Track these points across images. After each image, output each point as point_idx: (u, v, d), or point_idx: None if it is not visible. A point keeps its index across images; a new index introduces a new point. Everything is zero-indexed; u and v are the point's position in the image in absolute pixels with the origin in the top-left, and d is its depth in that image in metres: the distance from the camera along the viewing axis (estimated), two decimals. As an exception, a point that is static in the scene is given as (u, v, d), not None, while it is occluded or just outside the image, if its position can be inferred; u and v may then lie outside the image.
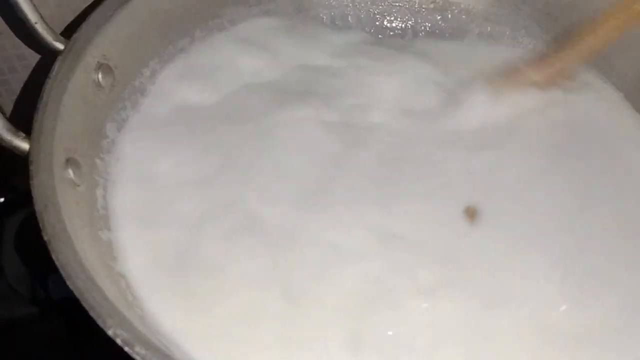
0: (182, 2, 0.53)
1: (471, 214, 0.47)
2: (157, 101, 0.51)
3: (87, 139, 0.46)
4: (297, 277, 0.44)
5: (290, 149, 0.49)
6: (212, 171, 0.48)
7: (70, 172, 0.42)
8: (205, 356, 0.40)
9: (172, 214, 0.46)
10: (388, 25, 0.60)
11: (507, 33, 0.59)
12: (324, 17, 0.60)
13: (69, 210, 0.40)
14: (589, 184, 0.50)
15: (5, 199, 0.57)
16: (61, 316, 0.53)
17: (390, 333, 0.42)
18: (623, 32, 0.50)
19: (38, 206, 0.38)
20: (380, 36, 0.60)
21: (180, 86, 0.52)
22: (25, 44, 0.55)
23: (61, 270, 0.36)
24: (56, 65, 0.44)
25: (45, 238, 0.37)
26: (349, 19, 0.60)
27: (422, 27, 0.60)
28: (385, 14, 0.61)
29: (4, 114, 0.42)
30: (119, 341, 0.34)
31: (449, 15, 0.60)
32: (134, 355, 0.33)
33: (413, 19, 0.60)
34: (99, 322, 0.34)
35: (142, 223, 0.45)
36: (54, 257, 0.36)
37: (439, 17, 0.60)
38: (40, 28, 0.46)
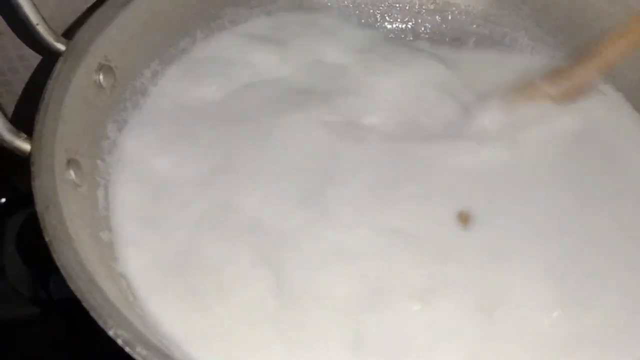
0: (183, 3, 0.53)
1: (464, 218, 0.47)
2: (158, 102, 0.51)
3: (89, 140, 0.46)
4: (297, 276, 0.44)
5: (290, 149, 0.49)
6: (212, 171, 0.48)
7: (72, 172, 0.42)
8: (205, 356, 0.40)
9: (172, 214, 0.46)
10: (388, 26, 0.60)
11: (507, 34, 0.59)
12: (324, 17, 0.60)
13: (70, 211, 0.40)
14: (588, 184, 0.50)
15: (6, 200, 0.57)
16: (62, 316, 0.53)
17: (389, 333, 0.42)
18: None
19: (39, 207, 0.38)
20: (381, 37, 0.60)
21: (182, 87, 0.53)
22: (27, 45, 0.55)
23: (62, 271, 0.36)
24: (57, 66, 0.44)
25: (47, 239, 0.37)
26: (349, 19, 0.60)
27: (422, 28, 0.60)
28: (386, 14, 0.60)
29: (5, 114, 0.42)
30: (119, 342, 0.34)
31: (449, 17, 0.60)
32: (134, 356, 0.33)
33: (413, 19, 0.60)
34: (100, 322, 0.34)
35: (142, 223, 0.45)
36: (55, 258, 0.36)
37: (439, 18, 0.61)
38: (41, 29, 0.46)
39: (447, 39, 0.60)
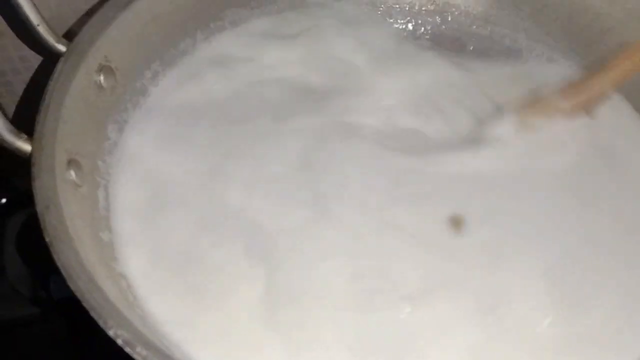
0: (183, 4, 0.53)
1: (459, 220, 0.47)
2: (158, 102, 0.51)
3: (89, 141, 0.46)
4: (297, 277, 0.44)
5: (289, 150, 0.50)
6: (213, 172, 0.48)
7: (72, 173, 0.42)
8: (205, 356, 0.40)
9: (172, 215, 0.46)
10: (388, 27, 0.60)
11: (507, 35, 0.59)
12: (324, 18, 0.60)
13: (71, 211, 0.40)
14: (588, 184, 0.50)
15: (6, 200, 0.57)
16: (62, 316, 0.53)
17: (388, 333, 0.42)
18: None
19: (39, 207, 0.38)
20: (381, 37, 0.59)
21: (182, 88, 0.53)
22: (28, 45, 0.55)
23: (62, 271, 0.36)
24: (58, 67, 0.44)
25: (47, 239, 0.37)
26: (349, 20, 0.59)
27: (422, 29, 0.60)
28: (386, 15, 0.61)
29: (6, 115, 0.42)
30: (119, 342, 0.34)
31: (449, 18, 0.60)
32: (134, 356, 0.33)
33: (413, 20, 0.60)
34: (100, 322, 0.34)
35: (143, 224, 0.45)
36: (55, 258, 0.36)
37: (438, 19, 0.61)
38: (42, 30, 0.46)
39: (448, 40, 0.60)
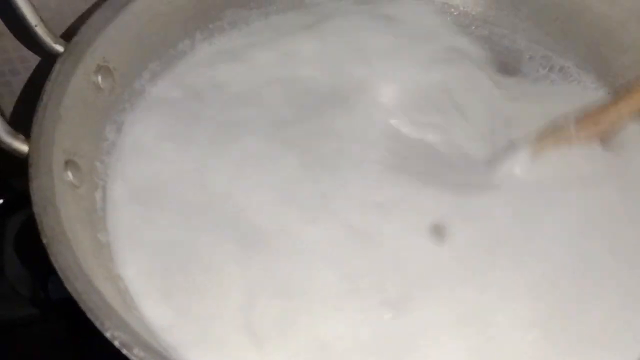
0: (182, 4, 0.53)
1: (440, 231, 0.47)
2: (156, 104, 0.51)
3: (87, 141, 0.46)
4: (297, 277, 0.44)
5: (289, 154, 0.49)
6: (211, 175, 0.48)
7: (70, 174, 0.42)
8: (203, 357, 0.40)
9: (170, 216, 0.46)
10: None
11: (506, 35, 0.59)
12: (325, 19, 0.60)
13: (68, 212, 0.40)
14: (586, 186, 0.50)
15: (5, 201, 0.57)
16: (61, 317, 0.54)
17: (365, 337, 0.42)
18: None
19: (37, 208, 0.38)
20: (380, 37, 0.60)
21: (181, 89, 0.53)
22: (26, 46, 0.55)
23: (60, 273, 0.36)
24: (56, 68, 0.44)
25: (44, 240, 0.37)
26: (348, 20, 0.59)
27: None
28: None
29: (3, 116, 0.42)
30: (116, 343, 0.34)
31: (448, 18, 0.60)
32: (132, 358, 0.34)
33: (412, 21, 0.60)
34: (97, 324, 0.34)
35: (140, 225, 0.45)
36: (52, 259, 0.36)
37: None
38: (40, 30, 0.46)
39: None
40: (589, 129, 0.50)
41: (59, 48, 0.46)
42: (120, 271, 0.43)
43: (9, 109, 0.59)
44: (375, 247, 0.46)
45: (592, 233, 0.47)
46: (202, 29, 0.55)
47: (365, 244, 0.46)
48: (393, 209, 0.47)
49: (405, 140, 0.52)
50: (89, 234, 0.42)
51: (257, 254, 0.45)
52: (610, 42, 0.55)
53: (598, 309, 0.44)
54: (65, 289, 0.36)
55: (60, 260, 0.36)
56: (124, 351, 0.34)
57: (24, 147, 0.41)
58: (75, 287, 0.35)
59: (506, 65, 0.57)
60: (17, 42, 0.54)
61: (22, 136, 0.41)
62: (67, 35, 0.47)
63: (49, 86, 0.43)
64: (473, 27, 0.60)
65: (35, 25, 0.46)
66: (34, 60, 0.56)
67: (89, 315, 0.35)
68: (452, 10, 0.60)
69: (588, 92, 0.55)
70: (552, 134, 0.51)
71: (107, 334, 0.34)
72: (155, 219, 0.46)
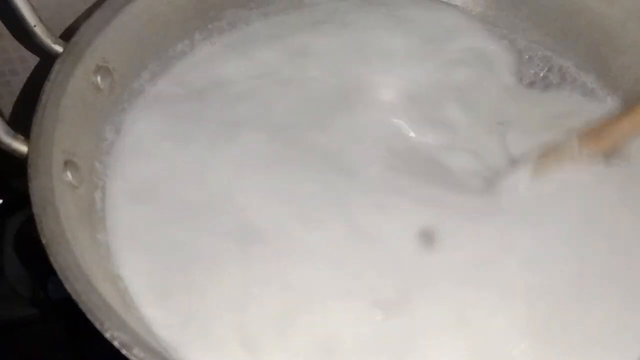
0: (181, 5, 0.53)
1: (430, 237, 0.47)
2: (156, 104, 0.51)
3: (86, 142, 0.46)
4: (297, 277, 0.44)
5: (288, 156, 0.49)
6: (211, 174, 0.48)
7: (69, 174, 0.42)
8: (202, 358, 0.40)
9: (169, 216, 0.46)
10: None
11: (506, 35, 0.59)
12: (325, 19, 0.60)
13: (68, 212, 0.40)
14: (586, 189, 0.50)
15: (4, 201, 0.57)
16: (61, 317, 0.54)
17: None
18: None
19: (36, 209, 0.38)
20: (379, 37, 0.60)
21: (180, 89, 0.52)
22: (25, 46, 0.55)
23: (59, 273, 0.36)
24: (55, 68, 0.44)
25: (44, 241, 0.37)
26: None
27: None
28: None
29: (3, 116, 0.42)
30: (116, 344, 0.34)
31: (448, 18, 0.60)
32: (131, 358, 0.34)
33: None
34: (97, 324, 0.34)
35: (140, 225, 0.45)
36: (51, 260, 0.36)
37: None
38: (39, 31, 0.46)
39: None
40: (591, 146, 0.50)
41: (58, 48, 0.46)
42: (119, 271, 0.43)
43: (8, 109, 0.59)
44: (375, 247, 0.46)
45: (592, 233, 0.47)
46: (201, 29, 0.55)
47: (364, 244, 0.46)
48: (392, 209, 0.47)
49: (406, 142, 0.52)
50: (89, 234, 0.42)
51: (257, 254, 0.45)
52: (610, 42, 0.55)
53: (598, 309, 0.44)
54: (64, 289, 0.36)
55: (59, 260, 0.36)
56: (124, 351, 0.34)
57: (23, 148, 0.41)
58: (75, 287, 0.35)
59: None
60: (17, 43, 0.55)
61: (21, 136, 0.41)
62: (67, 36, 0.47)
63: (48, 86, 0.43)
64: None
65: (35, 26, 0.46)
66: (33, 60, 0.56)
67: (88, 315, 0.35)
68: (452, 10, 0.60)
69: (588, 92, 0.55)
70: (554, 151, 0.50)
71: (107, 334, 0.34)
72: (154, 219, 0.46)
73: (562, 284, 0.45)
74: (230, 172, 0.48)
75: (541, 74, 0.57)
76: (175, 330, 0.41)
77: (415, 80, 0.55)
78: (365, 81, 0.55)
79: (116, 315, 0.35)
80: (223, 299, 0.43)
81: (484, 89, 0.55)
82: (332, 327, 0.42)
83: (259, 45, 0.56)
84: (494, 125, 0.53)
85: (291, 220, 0.46)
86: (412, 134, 0.52)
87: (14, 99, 0.59)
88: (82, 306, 0.35)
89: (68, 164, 0.42)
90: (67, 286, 0.35)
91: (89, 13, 0.48)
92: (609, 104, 0.55)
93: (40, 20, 0.46)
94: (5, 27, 0.53)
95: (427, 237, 0.47)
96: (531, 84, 0.56)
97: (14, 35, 0.54)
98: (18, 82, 0.58)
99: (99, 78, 0.47)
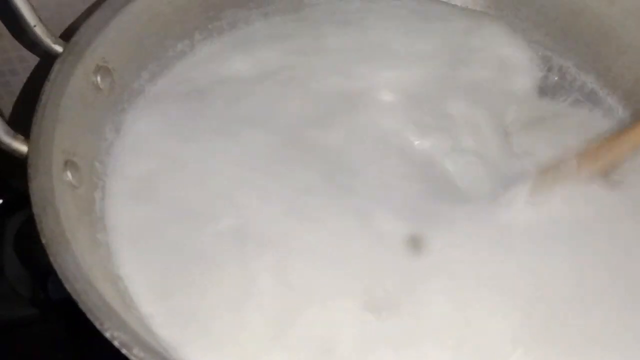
0: (181, 5, 0.53)
1: (418, 243, 0.47)
2: (156, 104, 0.51)
3: (86, 142, 0.46)
4: (297, 277, 0.44)
5: (289, 157, 0.49)
6: (211, 174, 0.48)
7: (69, 174, 0.42)
8: (203, 358, 0.40)
9: (169, 215, 0.46)
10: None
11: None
12: (324, 19, 0.60)
13: (68, 212, 0.40)
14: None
15: (4, 201, 0.57)
16: (61, 317, 0.54)
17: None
18: None
19: (36, 209, 0.38)
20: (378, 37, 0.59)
21: (179, 89, 0.52)
22: (25, 46, 0.55)
23: (59, 273, 0.36)
24: (55, 68, 0.44)
25: (44, 241, 0.37)
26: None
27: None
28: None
29: (3, 116, 0.42)
30: (116, 343, 0.34)
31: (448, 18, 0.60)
32: (131, 357, 0.34)
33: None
34: (97, 324, 0.34)
35: (140, 225, 0.45)
36: (51, 260, 0.36)
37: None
38: (38, 31, 0.46)
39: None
40: (590, 165, 0.49)
41: (58, 48, 0.46)
42: (119, 271, 0.43)
43: (8, 109, 0.59)
44: (375, 248, 0.46)
45: (592, 233, 0.47)
46: (201, 29, 0.55)
47: (365, 244, 0.46)
48: (392, 210, 0.47)
49: (407, 143, 0.52)
50: (89, 234, 0.42)
51: (257, 254, 0.45)
52: (610, 42, 0.55)
53: (598, 309, 0.44)
54: (64, 289, 0.35)
55: (59, 260, 0.36)
56: (124, 351, 0.34)
57: (23, 148, 0.41)
58: (75, 287, 0.35)
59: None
60: (16, 42, 0.55)
61: (21, 136, 0.41)
62: (66, 36, 0.47)
63: (48, 86, 0.43)
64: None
65: (34, 26, 0.46)
66: (33, 60, 0.56)
67: (88, 315, 0.35)
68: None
69: (588, 92, 0.55)
70: (553, 171, 0.50)
71: (107, 334, 0.34)
72: (154, 219, 0.46)
73: (561, 285, 0.45)
74: (230, 172, 0.48)
75: (541, 74, 0.57)
76: (175, 330, 0.41)
77: (416, 80, 0.55)
78: (366, 81, 0.55)
79: (116, 315, 0.35)
80: (223, 299, 0.43)
81: (485, 90, 0.55)
82: (331, 327, 0.42)
83: (259, 45, 0.56)
84: (495, 126, 0.53)
85: (291, 221, 0.46)
86: (412, 136, 0.52)
87: (14, 99, 0.59)
88: (82, 306, 0.35)
89: (68, 164, 0.42)
90: (67, 286, 0.35)
91: (89, 13, 0.48)
92: (609, 103, 0.55)
93: (40, 20, 0.46)
94: (5, 27, 0.53)
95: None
96: (531, 84, 0.56)
97: (13, 35, 0.54)
98: (18, 82, 0.58)
99: (98, 78, 0.47)
